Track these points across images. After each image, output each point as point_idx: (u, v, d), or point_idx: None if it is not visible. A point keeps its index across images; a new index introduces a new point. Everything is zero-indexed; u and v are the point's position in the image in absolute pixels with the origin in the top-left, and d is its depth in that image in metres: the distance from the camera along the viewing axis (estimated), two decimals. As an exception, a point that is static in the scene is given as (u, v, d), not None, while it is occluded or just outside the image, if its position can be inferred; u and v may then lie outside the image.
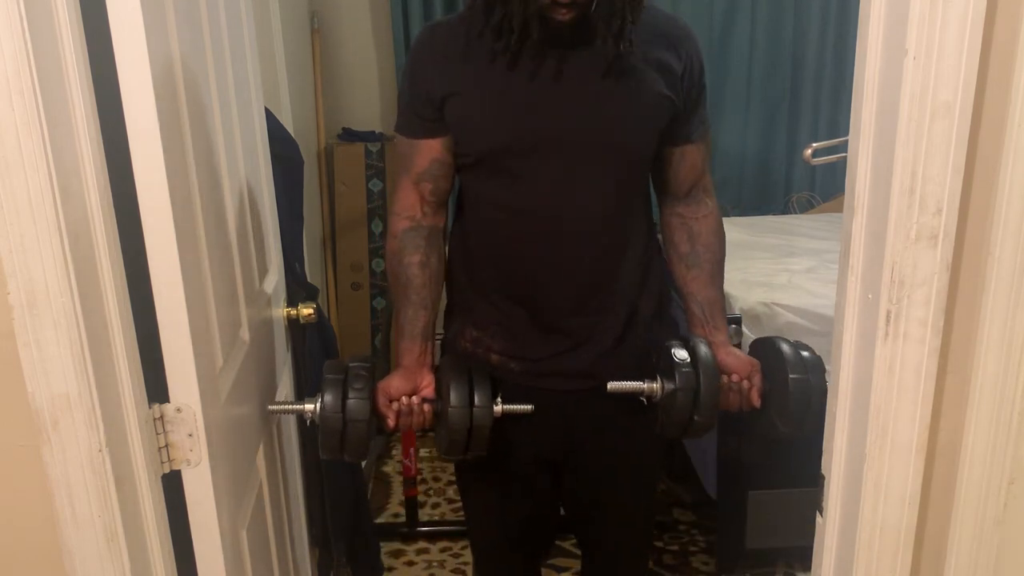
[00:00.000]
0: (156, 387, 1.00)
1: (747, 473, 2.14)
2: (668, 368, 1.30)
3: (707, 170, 1.47)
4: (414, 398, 1.36)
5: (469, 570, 2.36)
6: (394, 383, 1.36)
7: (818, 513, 1.04)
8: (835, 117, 3.37)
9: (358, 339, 3.33)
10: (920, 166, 0.81)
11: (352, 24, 3.29)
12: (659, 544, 2.50)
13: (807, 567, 1.11)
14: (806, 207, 3.47)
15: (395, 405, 1.36)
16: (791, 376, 1.28)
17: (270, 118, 1.71)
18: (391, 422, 1.36)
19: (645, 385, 1.32)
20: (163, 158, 0.94)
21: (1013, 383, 0.89)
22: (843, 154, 0.97)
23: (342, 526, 1.89)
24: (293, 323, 1.68)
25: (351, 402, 1.27)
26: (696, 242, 1.44)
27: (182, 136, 1.04)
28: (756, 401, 1.37)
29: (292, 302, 1.69)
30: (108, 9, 0.89)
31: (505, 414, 1.31)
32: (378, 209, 3.25)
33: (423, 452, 2.97)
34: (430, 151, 1.36)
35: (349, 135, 3.29)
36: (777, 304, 2.09)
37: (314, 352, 1.79)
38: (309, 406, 1.30)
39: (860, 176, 0.88)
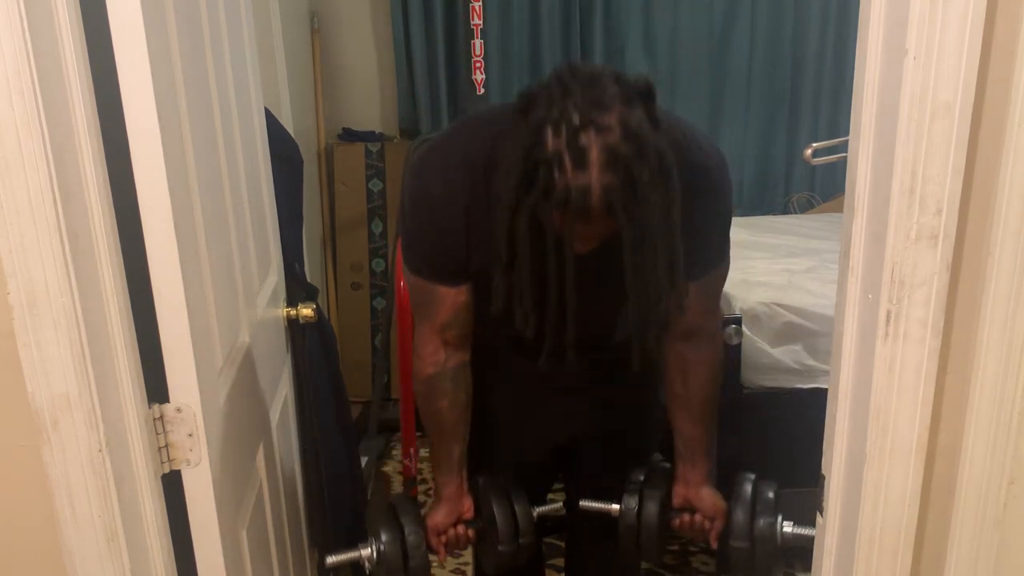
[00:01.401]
0: (156, 387, 1.00)
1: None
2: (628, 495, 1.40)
3: (711, 313, 1.39)
4: (459, 527, 1.42)
5: (469, 570, 2.36)
6: (440, 518, 1.41)
7: (818, 513, 1.04)
8: (835, 117, 3.36)
9: (358, 339, 3.33)
10: (920, 166, 0.81)
11: (352, 24, 3.29)
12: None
13: (807, 567, 1.11)
14: (806, 207, 3.47)
15: (443, 537, 1.41)
16: (732, 543, 1.37)
17: (270, 118, 1.70)
18: (441, 555, 1.43)
19: (611, 506, 1.41)
20: (163, 158, 0.94)
21: (1013, 383, 0.89)
22: (843, 154, 0.97)
23: (342, 526, 1.89)
24: (293, 323, 1.68)
25: (411, 551, 1.36)
26: (689, 385, 1.40)
27: (182, 136, 1.04)
28: (712, 543, 1.42)
29: (292, 302, 1.69)
30: (108, 9, 0.89)
31: (541, 515, 1.44)
32: (378, 209, 3.25)
33: (423, 452, 2.97)
34: (454, 297, 1.30)
35: (349, 135, 3.29)
36: (777, 304, 2.09)
37: (314, 352, 1.79)
38: (365, 551, 1.38)
39: (860, 176, 0.88)
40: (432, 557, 1.42)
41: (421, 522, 1.39)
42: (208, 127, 1.20)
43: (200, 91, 1.16)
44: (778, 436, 2.10)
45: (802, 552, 1.24)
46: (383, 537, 1.36)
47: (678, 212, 1.08)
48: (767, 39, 3.31)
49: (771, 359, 2.08)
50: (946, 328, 0.87)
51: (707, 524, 1.41)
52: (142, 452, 0.96)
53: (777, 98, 3.38)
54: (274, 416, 1.54)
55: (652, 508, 1.37)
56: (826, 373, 1.08)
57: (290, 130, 2.24)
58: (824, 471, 1.02)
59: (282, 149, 1.79)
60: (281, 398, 1.62)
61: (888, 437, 0.90)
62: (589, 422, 1.52)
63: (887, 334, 0.87)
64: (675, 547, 2.50)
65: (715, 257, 1.34)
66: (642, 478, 1.41)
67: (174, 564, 1.04)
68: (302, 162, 2.00)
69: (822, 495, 1.02)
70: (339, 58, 3.30)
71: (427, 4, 3.16)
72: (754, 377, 2.09)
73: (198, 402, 1.02)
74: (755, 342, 2.07)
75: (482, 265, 1.22)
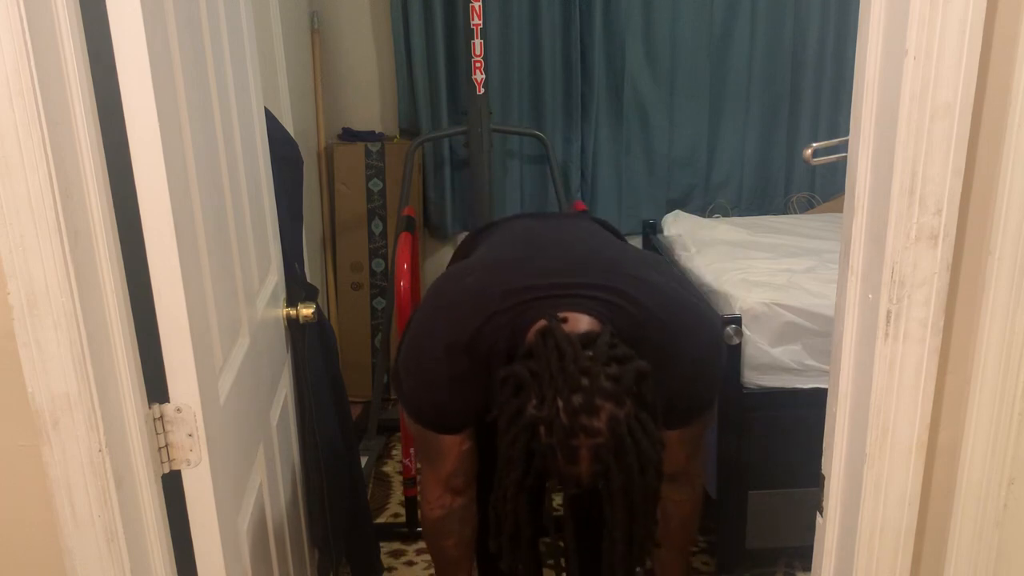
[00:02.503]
0: (156, 387, 1.00)
1: (747, 473, 2.14)
2: None
3: (693, 457, 1.46)
4: None
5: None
6: None
7: (818, 513, 1.04)
8: (835, 117, 3.36)
9: (358, 339, 3.33)
10: (920, 166, 0.81)
11: (352, 24, 3.29)
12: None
13: (807, 567, 1.11)
14: (806, 207, 3.47)
15: None
16: None
17: (270, 118, 1.70)
18: None
19: None
20: (163, 158, 0.94)
21: (1013, 383, 0.89)
22: (843, 154, 0.97)
23: (342, 526, 1.89)
24: (293, 323, 1.68)
25: None
26: (670, 523, 1.47)
27: (182, 136, 1.04)
28: None
29: (292, 302, 1.69)
30: (108, 9, 0.89)
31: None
32: (378, 209, 3.25)
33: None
34: (459, 447, 1.36)
35: (349, 135, 3.29)
36: (777, 304, 2.08)
37: (314, 352, 1.79)
38: None
39: (860, 176, 0.88)
40: None
41: None
42: (208, 127, 1.20)
43: (200, 91, 1.16)
44: (778, 436, 2.10)
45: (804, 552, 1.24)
46: None
47: (656, 496, 1.19)
48: (767, 39, 3.31)
49: (771, 359, 2.08)
50: (946, 328, 0.87)
51: None
52: (142, 452, 0.96)
53: (777, 98, 3.37)
54: (274, 416, 1.54)
55: None
56: (826, 373, 1.07)
57: (290, 130, 2.24)
58: (824, 471, 1.02)
59: (282, 149, 1.79)
60: (281, 398, 1.62)
61: (888, 437, 0.90)
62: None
63: (887, 334, 0.87)
64: None
65: (699, 409, 1.40)
66: None
67: (174, 564, 1.04)
68: (302, 162, 2.00)
69: (822, 495, 1.02)
70: (339, 58, 3.30)
71: (427, 4, 3.16)
72: (754, 377, 2.09)
73: (198, 402, 1.01)
74: (755, 342, 2.07)
75: (482, 419, 1.29)
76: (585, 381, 1.11)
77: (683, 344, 1.30)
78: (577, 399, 1.10)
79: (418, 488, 1.46)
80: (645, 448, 1.14)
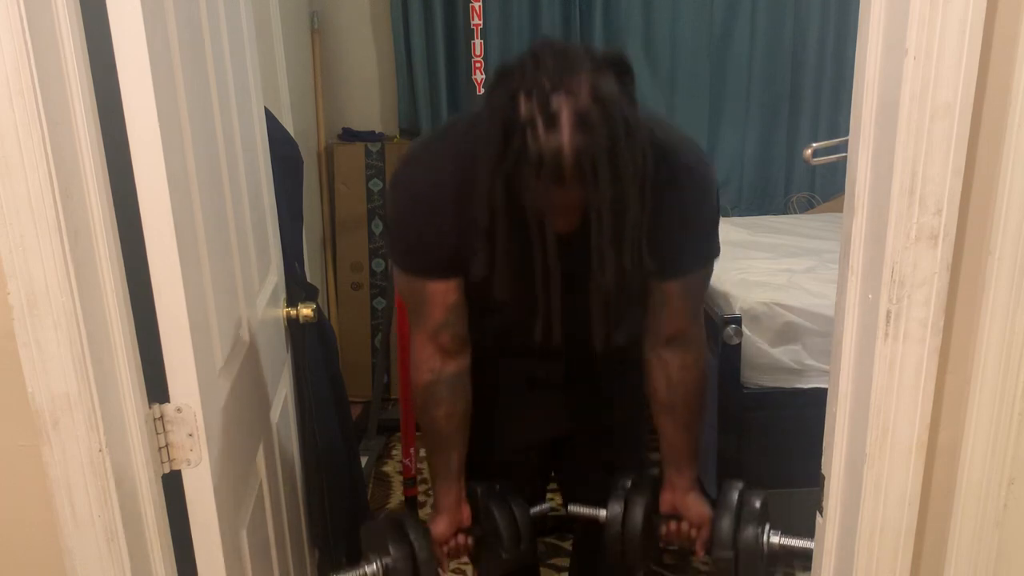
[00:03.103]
0: (156, 387, 1.00)
1: (747, 473, 2.14)
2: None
3: (695, 316, 1.38)
4: (460, 536, 1.42)
5: (469, 570, 2.36)
6: (441, 529, 1.40)
7: (818, 513, 1.04)
8: (835, 117, 3.36)
9: (358, 339, 3.33)
10: (920, 166, 0.81)
11: (352, 24, 3.29)
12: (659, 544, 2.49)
13: (807, 567, 1.11)
14: (806, 207, 3.47)
15: (445, 548, 1.41)
16: (715, 553, 1.36)
17: (270, 118, 1.70)
18: (444, 566, 1.43)
19: (599, 512, 1.41)
20: (163, 158, 0.94)
21: (1013, 383, 0.89)
22: (843, 154, 0.97)
23: (342, 526, 1.89)
24: (293, 323, 1.68)
25: (423, 567, 1.34)
26: (674, 392, 1.39)
27: (182, 136, 1.04)
28: (699, 551, 1.41)
29: (292, 302, 1.69)
30: (108, 9, 0.89)
31: (538, 516, 1.45)
32: (378, 209, 3.25)
33: (423, 452, 2.97)
34: (444, 296, 1.29)
35: (349, 135, 3.29)
36: (777, 304, 2.09)
37: (314, 352, 1.79)
38: (370, 568, 1.35)
39: (860, 176, 0.88)
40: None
41: (429, 537, 1.38)
42: (208, 127, 1.20)
43: (200, 91, 1.16)
44: (778, 436, 2.10)
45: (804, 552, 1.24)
46: (393, 553, 1.33)
47: (648, 184, 1.10)
48: (767, 39, 3.31)
49: (771, 359, 2.08)
50: (946, 328, 0.87)
51: (693, 532, 1.41)
52: (142, 452, 0.96)
53: (777, 98, 3.38)
54: (274, 416, 1.54)
55: (637, 515, 1.37)
56: (826, 373, 1.07)
57: (290, 130, 2.24)
58: (824, 471, 1.02)
59: (282, 149, 1.79)
60: (281, 398, 1.62)
61: (888, 437, 0.90)
62: (575, 418, 1.52)
63: (887, 334, 0.87)
64: (675, 547, 2.49)
65: (697, 256, 1.34)
66: (629, 484, 1.41)
67: (174, 564, 1.04)
68: (302, 162, 2.00)
69: (822, 495, 1.02)
70: (339, 58, 3.30)
71: (427, 4, 3.16)
72: (754, 377, 2.10)
73: (198, 402, 1.01)
74: (755, 342, 2.07)
75: (468, 262, 1.22)
76: (567, 57, 1.07)
77: (681, 176, 1.24)
78: (560, 63, 1.05)
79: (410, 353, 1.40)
80: (628, 112, 1.06)
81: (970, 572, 0.96)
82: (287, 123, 2.38)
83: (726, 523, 1.35)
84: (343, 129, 3.31)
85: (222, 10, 1.31)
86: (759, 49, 3.32)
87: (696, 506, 1.41)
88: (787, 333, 2.08)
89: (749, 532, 1.33)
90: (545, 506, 1.49)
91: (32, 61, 0.79)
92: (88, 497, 0.92)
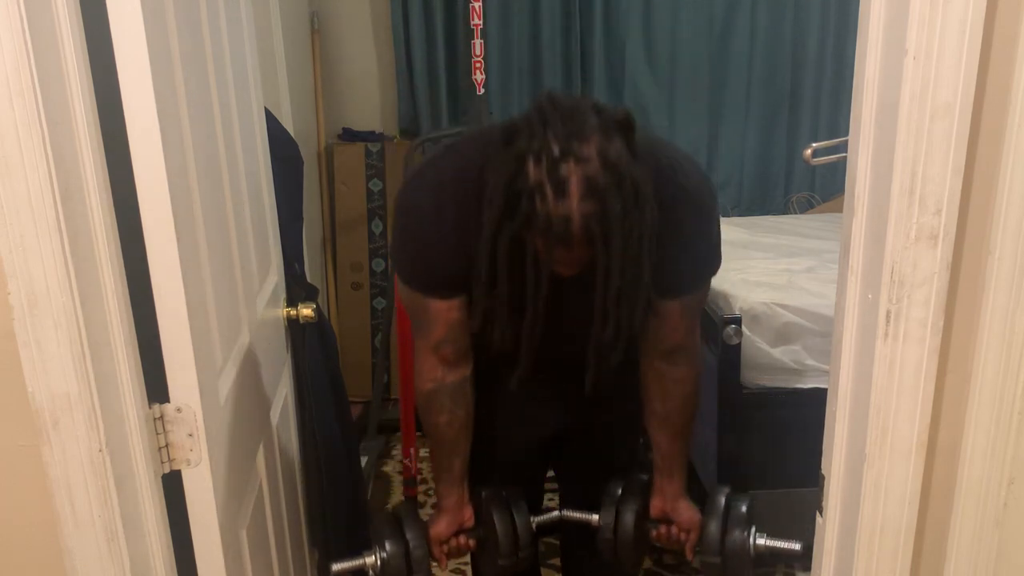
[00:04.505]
0: (156, 387, 1.00)
1: (747, 473, 2.14)
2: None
3: (692, 331, 1.39)
4: (460, 537, 1.43)
5: (469, 570, 2.36)
6: (442, 528, 1.42)
7: (818, 513, 1.04)
8: (835, 117, 3.36)
9: (358, 339, 3.33)
10: (920, 166, 0.81)
11: (352, 24, 3.29)
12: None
13: (807, 567, 1.11)
14: (806, 207, 3.47)
15: (445, 547, 1.43)
16: (703, 558, 1.40)
17: (270, 118, 1.70)
18: (443, 564, 1.46)
19: (591, 517, 1.45)
20: (163, 158, 0.94)
21: (1013, 383, 0.89)
22: (843, 154, 0.97)
23: (342, 526, 1.89)
24: (293, 323, 1.68)
25: (416, 564, 1.37)
26: (668, 402, 1.41)
27: (182, 136, 1.04)
28: (688, 555, 1.45)
29: (292, 302, 1.69)
30: (108, 9, 0.89)
31: (539, 526, 1.47)
32: (378, 209, 3.25)
33: (423, 452, 2.97)
34: (447, 313, 1.30)
35: (349, 135, 3.29)
36: (777, 304, 2.08)
37: (314, 352, 1.79)
38: (370, 559, 1.38)
39: (860, 176, 0.88)
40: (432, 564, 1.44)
41: (426, 534, 1.40)
42: (208, 127, 1.20)
43: (200, 91, 1.16)
44: (778, 436, 2.10)
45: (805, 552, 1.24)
46: (388, 548, 1.36)
47: (653, 242, 1.11)
48: (767, 39, 3.31)
49: (771, 359, 2.08)
50: (946, 328, 0.87)
51: (683, 536, 1.44)
52: (142, 452, 0.96)
53: (777, 98, 3.37)
54: (274, 416, 1.54)
55: (628, 521, 1.41)
56: (826, 373, 1.07)
57: (290, 130, 2.24)
58: (824, 471, 1.02)
59: (282, 149, 1.79)
60: (281, 398, 1.62)
61: (888, 437, 0.90)
62: (574, 414, 1.53)
63: (887, 334, 0.87)
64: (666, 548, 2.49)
65: (696, 278, 1.36)
66: (619, 492, 1.44)
67: (174, 564, 1.04)
68: (302, 162, 2.00)
69: (822, 495, 1.02)
70: (339, 58, 3.30)
71: (427, 4, 3.16)
72: (754, 377, 2.09)
73: (198, 402, 1.01)
74: (755, 342, 2.07)
75: (469, 281, 1.24)
76: (574, 119, 1.07)
77: (682, 204, 1.24)
78: (568, 127, 1.05)
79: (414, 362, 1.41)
80: (637, 176, 1.06)
81: (970, 572, 0.96)
82: (287, 123, 2.38)
83: (714, 527, 1.39)
84: (343, 129, 3.31)
85: (222, 10, 1.31)
86: (759, 49, 3.31)
87: (686, 511, 1.44)
88: (787, 333, 2.08)
89: (736, 535, 1.37)
90: (553, 514, 1.51)
91: (32, 61, 0.79)
92: (88, 497, 0.92)
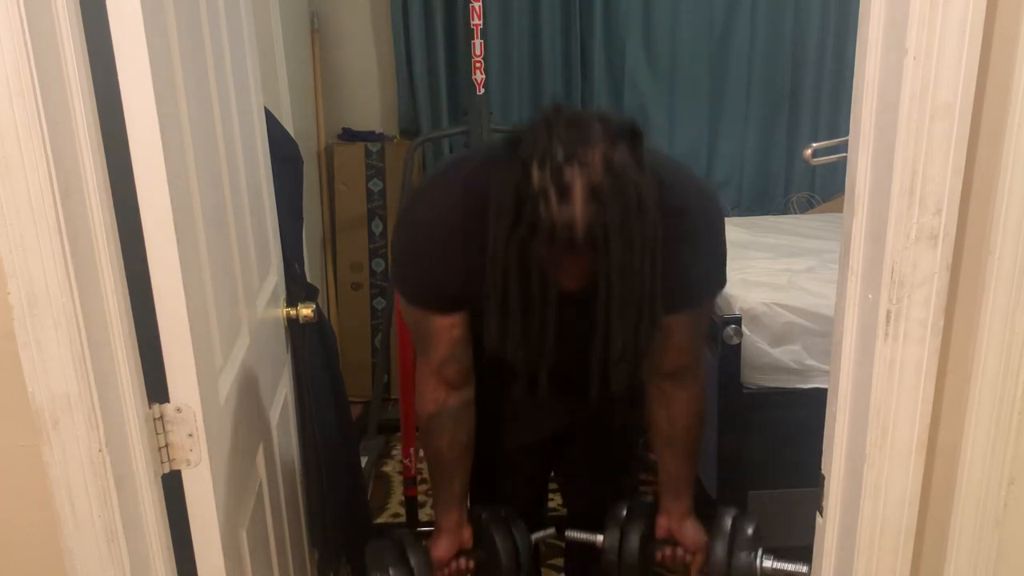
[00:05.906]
0: (156, 387, 1.00)
1: (747, 473, 2.14)
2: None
3: (697, 350, 1.39)
4: (460, 560, 1.43)
5: (469, 570, 2.36)
6: (442, 552, 1.41)
7: (818, 513, 1.04)
8: (835, 117, 3.36)
9: (358, 339, 3.33)
10: (920, 166, 0.81)
11: (352, 24, 3.29)
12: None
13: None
14: (806, 207, 3.47)
15: (446, 570, 1.42)
16: None
17: (270, 118, 1.70)
18: None
19: (596, 538, 1.43)
20: (163, 158, 0.94)
21: (1013, 383, 0.89)
22: (843, 154, 0.96)
23: (342, 526, 1.89)
24: (293, 323, 1.68)
25: None
26: (675, 425, 1.41)
27: (182, 136, 1.04)
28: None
29: (292, 302, 1.69)
30: (108, 9, 0.89)
31: (538, 541, 1.47)
32: (378, 209, 3.25)
33: (424, 452, 2.97)
34: (449, 331, 1.30)
35: (349, 135, 3.29)
36: (777, 304, 2.08)
37: (314, 352, 1.79)
38: None
39: (860, 176, 0.88)
40: None
41: (429, 561, 1.39)
42: (208, 127, 1.20)
43: (200, 91, 1.16)
44: (778, 436, 2.10)
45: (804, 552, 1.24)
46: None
47: (659, 249, 1.11)
48: (767, 39, 3.31)
49: (771, 359, 2.08)
50: (946, 328, 0.87)
51: (688, 558, 1.44)
52: (142, 452, 0.96)
53: (777, 98, 3.37)
54: (274, 416, 1.54)
55: (634, 542, 1.39)
56: (826, 373, 1.07)
57: (290, 130, 2.24)
58: (824, 471, 1.02)
59: (282, 149, 1.79)
60: (281, 398, 1.62)
61: (888, 437, 0.90)
62: (575, 415, 1.53)
63: (887, 334, 0.87)
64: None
65: (700, 294, 1.35)
66: (624, 513, 1.43)
67: (174, 564, 1.04)
68: (302, 162, 2.00)
69: (822, 495, 1.02)
70: (339, 58, 3.30)
71: (427, 4, 3.16)
72: (754, 377, 2.09)
73: (198, 402, 1.01)
74: (755, 342, 2.07)
75: (474, 298, 1.23)
76: (580, 126, 1.07)
77: (685, 220, 1.24)
78: (573, 133, 1.05)
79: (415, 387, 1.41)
80: (642, 183, 1.06)
81: (970, 572, 0.96)
82: (287, 123, 2.38)
83: (720, 549, 1.37)
84: (343, 129, 3.31)
85: (222, 10, 1.31)
86: (759, 49, 3.32)
87: (692, 532, 1.43)
88: (787, 333, 2.08)
89: (743, 558, 1.36)
90: (549, 530, 1.51)
91: (32, 61, 0.79)
92: (88, 497, 0.92)
